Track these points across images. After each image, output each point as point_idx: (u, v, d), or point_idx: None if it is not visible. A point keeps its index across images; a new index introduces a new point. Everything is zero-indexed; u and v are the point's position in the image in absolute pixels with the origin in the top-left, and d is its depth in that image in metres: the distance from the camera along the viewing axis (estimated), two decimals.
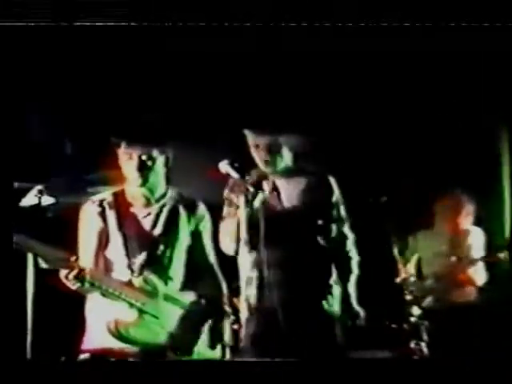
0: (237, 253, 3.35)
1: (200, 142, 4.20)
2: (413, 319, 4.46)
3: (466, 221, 4.96)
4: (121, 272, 3.47)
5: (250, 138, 3.56)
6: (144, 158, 3.46)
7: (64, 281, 3.31)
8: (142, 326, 3.40)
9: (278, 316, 3.29)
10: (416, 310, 4.47)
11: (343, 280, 3.58)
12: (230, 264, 3.50)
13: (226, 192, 3.56)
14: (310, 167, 3.67)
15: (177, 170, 3.62)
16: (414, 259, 4.78)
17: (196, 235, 3.63)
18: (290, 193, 3.60)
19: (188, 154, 3.72)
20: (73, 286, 3.30)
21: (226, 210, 3.56)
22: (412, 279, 4.56)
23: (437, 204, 5.00)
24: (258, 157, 3.56)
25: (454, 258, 4.75)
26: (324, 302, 3.54)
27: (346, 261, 3.62)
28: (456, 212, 4.94)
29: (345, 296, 3.57)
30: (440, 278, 4.71)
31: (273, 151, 3.54)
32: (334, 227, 3.60)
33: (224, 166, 3.28)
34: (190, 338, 3.45)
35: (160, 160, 3.52)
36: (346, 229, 3.64)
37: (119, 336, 3.35)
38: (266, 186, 3.56)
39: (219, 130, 4.32)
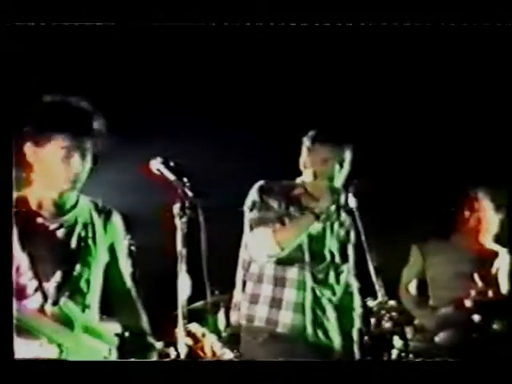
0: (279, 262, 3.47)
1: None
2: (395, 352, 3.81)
3: (488, 237, 4.21)
4: (29, 300, 2.92)
5: (321, 150, 3.55)
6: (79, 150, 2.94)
7: None
8: None
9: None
10: (397, 342, 3.77)
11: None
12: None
13: (257, 194, 3.55)
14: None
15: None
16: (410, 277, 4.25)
17: (112, 252, 3.20)
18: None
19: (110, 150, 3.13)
20: None
21: (260, 214, 3.52)
22: (391, 303, 3.82)
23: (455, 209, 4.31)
24: (318, 169, 3.54)
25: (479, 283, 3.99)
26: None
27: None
28: (477, 223, 4.19)
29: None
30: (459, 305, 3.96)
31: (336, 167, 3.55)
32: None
33: (156, 165, 2.89)
34: None
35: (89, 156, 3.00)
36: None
37: None
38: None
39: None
